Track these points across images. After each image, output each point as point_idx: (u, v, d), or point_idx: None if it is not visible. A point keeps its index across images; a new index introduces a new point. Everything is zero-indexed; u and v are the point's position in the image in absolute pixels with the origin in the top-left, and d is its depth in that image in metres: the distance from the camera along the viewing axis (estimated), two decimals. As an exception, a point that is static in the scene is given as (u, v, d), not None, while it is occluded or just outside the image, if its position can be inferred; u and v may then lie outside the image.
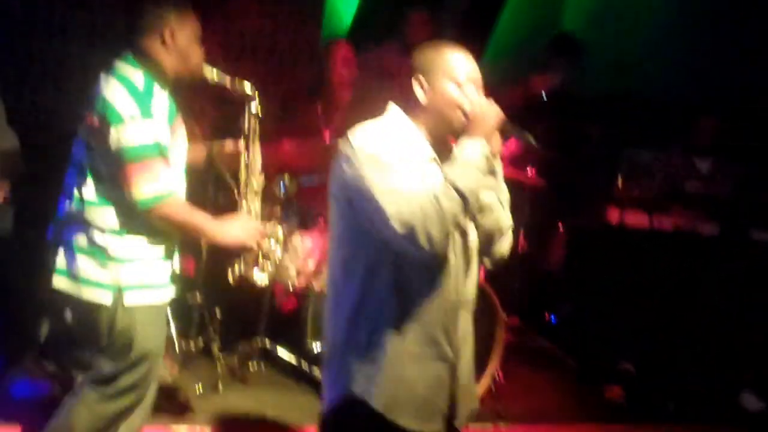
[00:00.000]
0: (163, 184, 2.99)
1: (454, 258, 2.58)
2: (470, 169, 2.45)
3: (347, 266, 2.56)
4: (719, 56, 6.13)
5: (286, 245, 4.63)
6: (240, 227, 3.27)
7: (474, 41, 6.01)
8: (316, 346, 4.57)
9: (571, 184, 5.66)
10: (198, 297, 4.75)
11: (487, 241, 2.70)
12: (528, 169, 5.24)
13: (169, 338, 4.37)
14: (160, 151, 2.99)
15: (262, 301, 4.76)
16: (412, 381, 2.55)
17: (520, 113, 3.39)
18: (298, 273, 4.63)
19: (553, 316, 5.88)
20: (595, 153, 5.76)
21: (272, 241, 3.58)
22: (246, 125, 3.52)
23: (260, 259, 3.54)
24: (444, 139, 2.63)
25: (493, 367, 4.51)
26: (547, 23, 6.48)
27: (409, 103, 2.61)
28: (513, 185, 2.91)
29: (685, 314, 5.26)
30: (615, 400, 5.03)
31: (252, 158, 3.53)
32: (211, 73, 3.28)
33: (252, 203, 3.52)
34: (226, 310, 4.78)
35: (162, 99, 3.09)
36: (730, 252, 5.33)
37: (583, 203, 5.71)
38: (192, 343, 4.73)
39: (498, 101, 2.58)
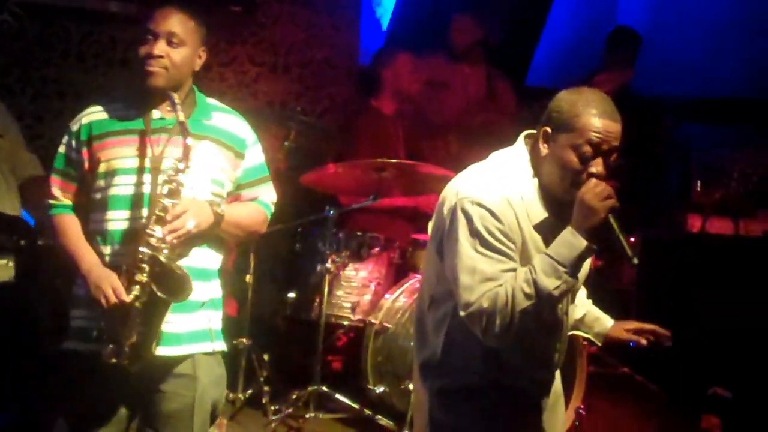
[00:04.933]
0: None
1: None
2: (558, 271, 2.35)
3: (435, 303, 2.54)
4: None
5: (337, 278, 4.42)
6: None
7: (522, 41, 5.75)
8: (378, 389, 4.28)
9: (643, 191, 5.22)
10: (245, 341, 4.34)
11: None
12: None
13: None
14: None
15: (314, 341, 4.37)
16: None
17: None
18: (353, 308, 4.43)
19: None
20: (666, 156, 5.33)
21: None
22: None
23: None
24: (558, 198, 2.45)
25: (577, 400, 4.22)
26: (600, 20, 6.17)
27: (535, 148, 2.46)
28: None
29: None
30: (711, 431, 4.55)
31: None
32: None
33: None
34: (275, 355, 4.50)
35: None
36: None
37: (657, 211, 5.25)
38: (240, 393, 4.36)
39: None
